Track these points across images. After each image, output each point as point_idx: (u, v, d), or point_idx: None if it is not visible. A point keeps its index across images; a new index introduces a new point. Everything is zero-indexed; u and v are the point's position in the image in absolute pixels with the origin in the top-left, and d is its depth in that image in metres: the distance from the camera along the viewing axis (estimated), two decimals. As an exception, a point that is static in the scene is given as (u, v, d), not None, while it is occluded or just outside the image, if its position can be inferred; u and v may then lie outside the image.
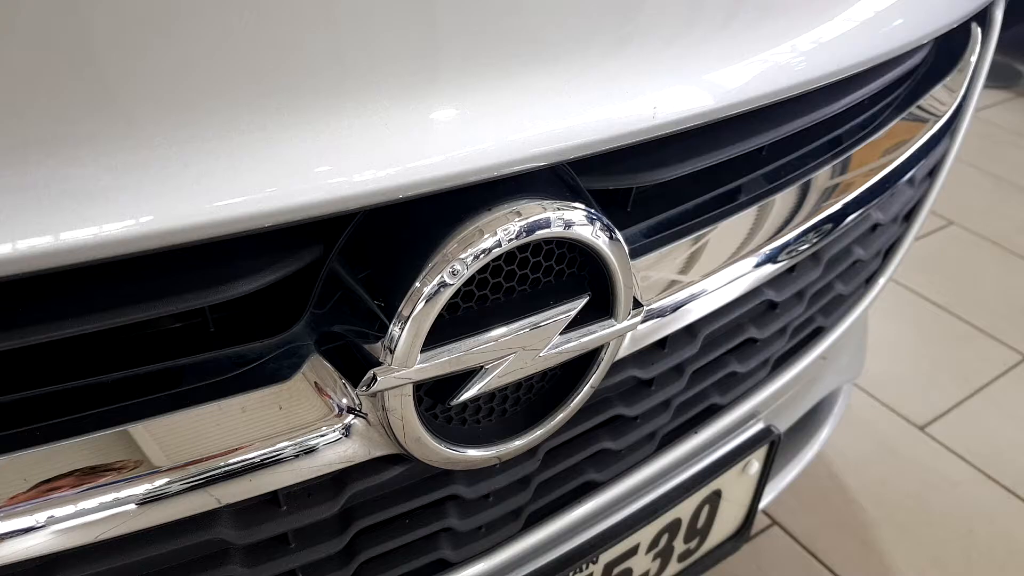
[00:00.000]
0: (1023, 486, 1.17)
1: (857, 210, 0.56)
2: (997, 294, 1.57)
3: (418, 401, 0.37)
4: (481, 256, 0.34)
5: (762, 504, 0.72)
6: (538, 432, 0.42)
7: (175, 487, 0.33)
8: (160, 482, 0.32)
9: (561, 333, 0.39)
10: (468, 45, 0.33)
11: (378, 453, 0.38)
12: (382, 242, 0.35)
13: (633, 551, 0.58)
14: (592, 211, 0.37)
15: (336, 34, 0.30)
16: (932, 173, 0.69)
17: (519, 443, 0.42)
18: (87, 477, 0.31)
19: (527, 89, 0.35)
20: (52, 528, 0.31)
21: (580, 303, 0.39)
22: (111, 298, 0.30)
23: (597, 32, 0.37)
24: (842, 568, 1.03)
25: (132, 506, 0.32)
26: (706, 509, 0.63)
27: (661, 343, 0.49)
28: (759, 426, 0.63)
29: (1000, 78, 2.62)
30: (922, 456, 1.21)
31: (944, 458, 1.21)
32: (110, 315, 0.30)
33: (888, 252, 0.70)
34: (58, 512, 0.31)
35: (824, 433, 0.83)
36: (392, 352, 0.34)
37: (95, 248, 0.26)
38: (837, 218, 0.55)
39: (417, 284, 0.34)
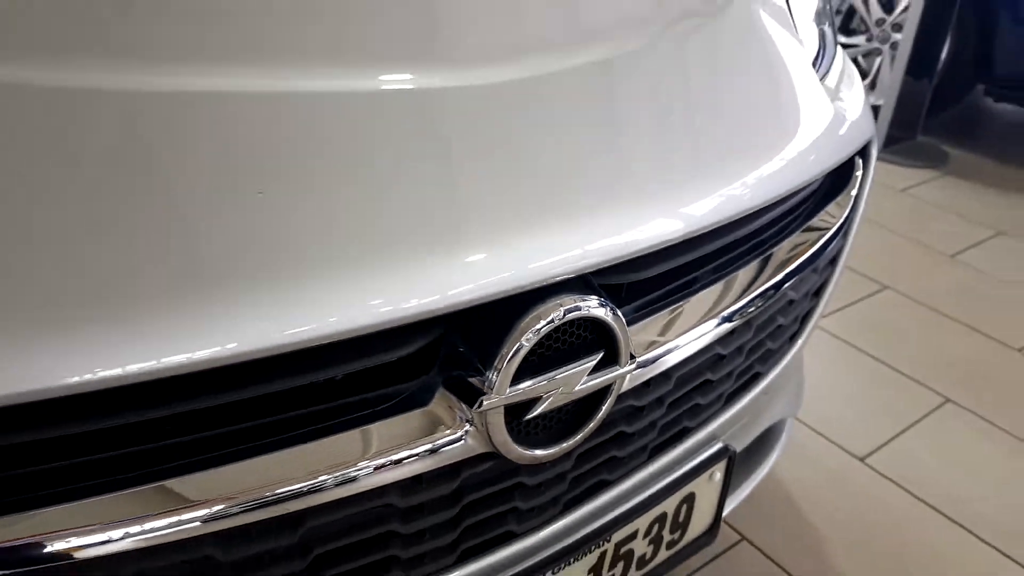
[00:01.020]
0: (948, 506, 1.40)
1: (777, 292, 0.81)
2: (925, 348, 1.84)
3: (505, 418, 0.61)
4: (541, 330, 0.59)
5: (726, 511, 0.95)
6: (572, 440, 0.66)
7: (371, 469, 0.56)
8: (364, 465, 0.56)
9: (587, 375, 0.63)
10: (515, 213, 0.59)
11: (479, 451, 0.61)
12: (483, 324, 0.60)
13: (633, 535, 0.81)
14: (603, 299, 0.62)
15: (439, 213, 0.56)
16: (832, 262, 0.95)
17: (562, 447, 0.65)
18: (333, 467, 0.55)
19: (555, 232, 0.60)
20: (315, 496, 0.54)
21: (597, 357, 0.63)
22: (336, 357, 0.54)
23: (594, 191, 0.63)
24: (800, 573, 1.26)
25: (362, 477, 0.55)
26: (684, 507, 0.86)
27: (647, 383, 0.73)
28: (719, 445, 0.86)
29: (929, 158, 2.94)
30: (863, 483, 1.44)
31: (881, 484, 1.44)
32: (336, 367, 0.54)
33: (804, 318, 0.95)
34: (329, 480, 0.54)
35: (774, 456, 1.07)
36: (492, 388, 0.58)
37: (315, 337, 0.50)
38: (764, 297, 0.80)
39: (504, 349, 0.58)
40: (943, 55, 2.95)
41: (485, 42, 0.63)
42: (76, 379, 0.43)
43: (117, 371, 0.44)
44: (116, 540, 0.48)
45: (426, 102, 0.59)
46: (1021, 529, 1.36)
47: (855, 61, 3.23)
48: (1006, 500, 1.42)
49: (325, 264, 0.51)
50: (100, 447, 0.48)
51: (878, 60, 3.12)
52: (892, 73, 2.91)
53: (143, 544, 0.49)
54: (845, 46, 3.16)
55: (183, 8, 0.53)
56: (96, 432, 0.47)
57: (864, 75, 3.19)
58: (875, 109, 2.99)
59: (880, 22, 3.09)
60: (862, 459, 1.49)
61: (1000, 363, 1.80)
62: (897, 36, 3.01)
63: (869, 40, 3.14)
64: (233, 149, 0.51)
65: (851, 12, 3.17)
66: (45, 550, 0.46)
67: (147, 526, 0.49)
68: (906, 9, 2.90)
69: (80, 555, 0.47)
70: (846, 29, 3.20)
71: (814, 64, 0.93)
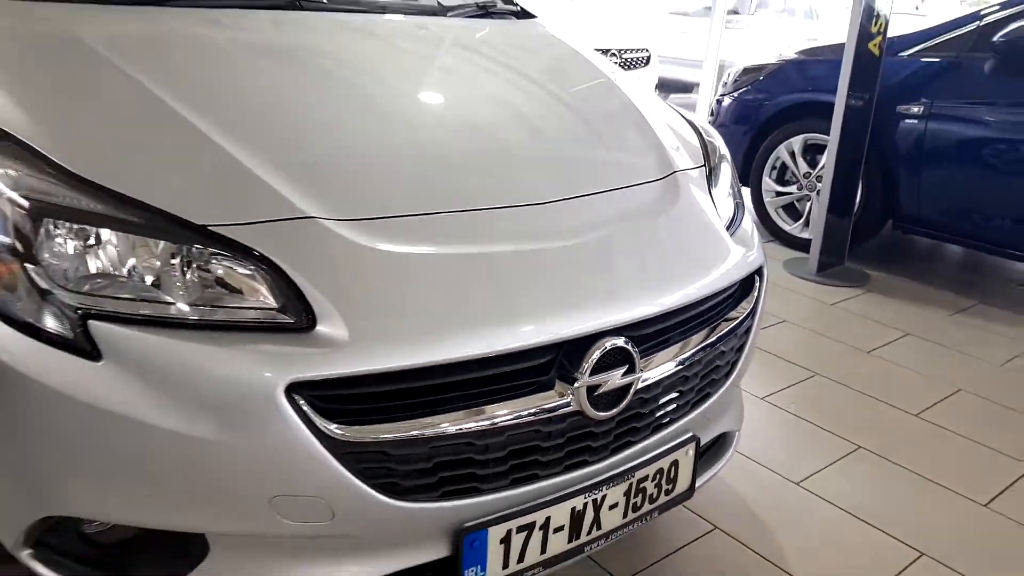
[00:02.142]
0: (863, 511, 2.07)
1: (714, 347, 1.53)
2: (843, 413, 2.54)
3: (587, 392, 1.31)
4: (599, 351, 1.30)
5: (698, 483, 1.62)
6: (615, 410, 1.35)
7: (535, 412, 1.26)
8: (532, 409, 1.26)
9: (620, 376, 1.34)
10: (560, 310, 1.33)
11: (575, 409, 1.30)
12: (576, 348, 1.31)
13: (645, 478, 1.48)
14: (626, 340, 1.33)
15: (564, 303, 1.29)
16: (747, 332, 1.67)
17: (610, 413, 1.35)
18: (519, 410, 1.25)
19: (606, 310, 1.33)
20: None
21: (624, 367, 1.34)
22: (524, 357, 1.25)
23: (619, 295, 1.37)
24: (762, 550, 1.91)
25: (528, 416, 1.25)
26: (672, 468, 1.53)
27: (648, 387, 1.43)
28: (690, 433, 1.55)
29: (854, 279, 3.73)
30: (796, 497, 2.12)
31: (809, 498, 2.11)
32: (524, 362, 1.25)
33: (733, 364, 1.66)
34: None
35: (728, 454, 1.74)
36: (580, 378, 1.29)
37: (517, 347, 1.23)
38: (706, 348, 1.51)
39: (586, 359, 1.30)
40: (858, 199, 3.80)
41: (561, 226, 1.40)
42: (447, 357, 1.15)
43: (459, 355, 1.16)
44: (443, 429, 1.18)
45: (538, 258, 1.34)
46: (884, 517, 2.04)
47: (792, 205, 4.09)
48: (896, 510, 2.10)
49: (525, 319, 1.24)
50: (439, 389, 1.19)
51: (808, 204, 3.97)
52: (819, 213, 3.75)
53: (444, 433, 1.19)
54: (781, 194, 4.05)
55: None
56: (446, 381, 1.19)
57: (799, 215, 4.05)
58: (808, 242, 3.83)
59: (807, 175, 3.96)
60: (797, 483, 2.17)
61: (900, 422, 2.51)
62: (820, 185, 3.87)
63: (800, 189, 4.00)
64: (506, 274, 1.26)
65: (784, 167, 4.05)
66: (428, 433, 1.17)
67: (449, 428, 1.19)
68: (824, 165, 3.78)
69: (431, 432, 1.17)
70: (782, 180, 4.07)
71: (728, 227, 1.70)
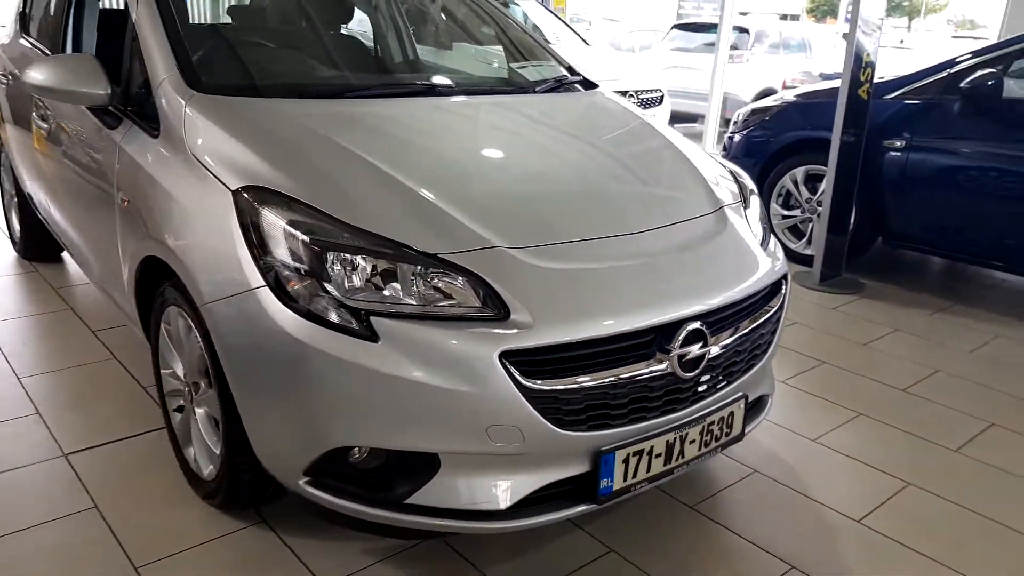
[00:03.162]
0: (864, 457, 2.67)
1: (756, 331, 2.15)
2: (843, 389, 3.15)
3: (677, 359, 1.92)
4: (684, 333, 1.92)
5: (747, 430, 2.23)
6: (694, 372, 1.96)
7: (646, 372, 1.87)
8: (642, 372, 1.87)
9: (698, 348, 1.95)
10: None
11: (669, 372, 1.90)
12: (669, 329, 1.92)
13: (712, 423, 2.07)
14: (701, 323, 1.95)
15: (661, 298, 1.92)
16: (777, 322, 2.29)
17: (692, 374, 1.95)
18: (635, 370, 1.86)
19: (689, 302, 1.95)
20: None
21: (700, 342, 1.96)
22: (636, 335, 1.87)
23: (689, 291, 1.99)
24: (792, 485, 2.51)
25: (642, 376, 1.87)
26: (730, 416, 2.13)
27: (716, 357, 2.04)
28: (741, 392, 2.16)
29: (851, 288, 4.35)
30: (813, 450, 2.72)
31: (821, 450, 2.72)
32: (638, 338, 1.88)
33: (768, 345, 2.27)
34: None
35: (766, 411, 2.36)
36: (673, 349, 1.90)
37: (635, 328, 1.85)
38: (751, 332, 2.13)
39: (676, 336, 1.91)
40: (852, 219, 4.43)
41: (653, 248, 2.03)
42: (591, 335, 1.78)
43: (599, 334, 1.78)
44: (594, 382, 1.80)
45: (642, 270, 1.97)
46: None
47: (796, 226, 4.73)
48: (887, 456, 2.70)
49: (638, 310, 1.86)
50: (587, 356, 1.80)
51: (810, 225, 4.61)
52: (820, 232, 4.38)
53: (589, 385, 1.80)
54: (787, 217, 4.68)
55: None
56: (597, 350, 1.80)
57: (802, 235, 4.68)
58: (811, 257, 4.46)
59: (808, 200, 4.60)
60: (814, 439, 2.78)
61: (892, 395, 3.12)
62: (820, 208, 4.50)
63: (803, 212, 4.64)
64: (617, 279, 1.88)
65: (789, 194, 4.69)
66: (580, 384, 1.78)
67: (592, 382, 1.80)
68: (823, 192, 4.41)
69: (581, 384, 1.79)
70: (787, 205, 4.71)
71: (762, 244, 2.33)
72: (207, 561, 2.04)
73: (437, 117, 2.47)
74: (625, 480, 1.93)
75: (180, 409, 2.33)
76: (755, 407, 2.36)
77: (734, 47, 10.49)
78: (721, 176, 2.56)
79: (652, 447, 1.95)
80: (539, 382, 1.75)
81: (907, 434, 2.82)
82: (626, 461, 1.91)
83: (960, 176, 4.04)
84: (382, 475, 1.85)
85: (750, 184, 2.64)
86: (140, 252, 2.22)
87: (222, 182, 1.96)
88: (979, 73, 3.98)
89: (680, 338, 1.91)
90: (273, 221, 1.83)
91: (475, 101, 2.64)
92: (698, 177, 2.47)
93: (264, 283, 1.79)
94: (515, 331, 1.74)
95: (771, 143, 4.75)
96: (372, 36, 3.34)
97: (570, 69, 3.15)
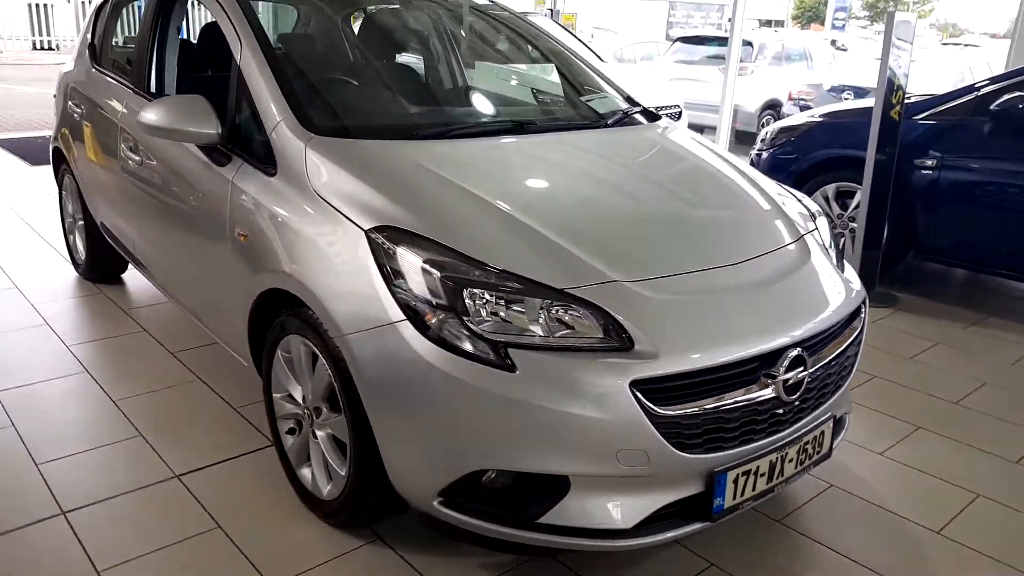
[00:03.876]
0: (930, 468, 2.79)
1: (844, 353, 2.26)
2: (903, 403, 3.27)
3: (782, 384, 2.03)
4: (788, 359, 2.03)
5: (834, 446, 2.35)
6: (796, 395, 2.07)
7: (757, 396, 1.98)
8: (755, 396, 1.98)
9: (800, 372, 2.07)
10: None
11: (775, 396, 2.02)
12: (772, 356, 2.04)
13: (808, 442, 2.18)
14: (801, 350, 2.06)
15: (769, 328, 2.03)
16: (859, 345, 2.40)
17: (793, 397, 2.06)
18: (751, 395, 1.97)
19: (791, 333, 2.06)
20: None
21: (801, 367, 2.07)
22: (753, 361, 1.98)
23: (788, 321, 2.10)
24: (867, 497, 2.62)
25: (755, 399, 1.98)
26: (822, 435, 2.25)
27: (812, 379, 2.15)
28: (830, 412, 2.28)
29: (885, 301, 4.49)
30: (880, 462, 2.84)
31: (893, 464, 2.84)
32: (754, 363, 1.98)
33: (851, 366, 2.39)
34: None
35: (845, 428, 2.47)
36: (778, 374, 2.01)
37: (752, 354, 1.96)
38: (839, 355, 2.24)
39: (780, 362, 2.02)
40: (885, 234, 4.56)
41: (754, 278, 2.14)
42: (708, 363, 1.89)
43: (715, 363, 1.90)
44: (718, 406, 1.91)
45: (747, 300, 2.08)
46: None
47: (828, 240, 4.85)
48: (953, 467, 2.82)
49: (748, 339, 1.97)
50: (703, 383, 1.92)
51: (842, 240, 4.74)
52: (854, 248, 4.50)
53: (706, 410, 1.91)
54: (821, 233, 4.81)
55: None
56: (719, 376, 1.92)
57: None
58: (847, 271, 4.58)
59: (839, 216, 4.74)
60: (880, 453, 2.89)
61: (945, 408, 3.24)
62: (854, 224, 4.63)
63: (834, 228, 4.77)
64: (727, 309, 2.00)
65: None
66: (698, 410, 1.89)
67: (708, 406, 1.91)
68: (856, 207, 4.54)
69: (699, 410, 1.90)
70: (819, 221, 4.84)
71: (839, 266, 2.45)
72: (337, 578, 2.14)
73: (536, 154, 2.58)
74: (734, 498, 2.04)
75: (292, 431, 2.43)
76: (836, 425, 2.47)
77: (739, 60, 10.65)
78: (791, 201, 2.68)
79: (758, 467, 2.06)
80: (664, 408, 1.86)
81: (967, 446, 2.94)
82: (736, 481, 2.02)
83: (989, 193, 4.17)
84: (514, 496, 1.95)
85: (814, 207, 2.76)
86: (261, 284, 2.32)
87: (353, 221, 2.06)
88: (1008, 96, 4.12)
89: (785, 363, 2.01)
90: (410, 259, 1.94)
91: (564, 138, 2.75)
92: (776, 205, 2.58)
93: (404, 317, 1.90)
94: (642, 361, 1.85)
95: (801, 161, 4.88)
96: (443, 71, 3.45)
97: (629, 99, 3.27)
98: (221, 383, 3.19)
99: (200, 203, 2.67)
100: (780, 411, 2.06)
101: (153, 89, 3.21)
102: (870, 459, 2.84)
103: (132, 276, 4.34)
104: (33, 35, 19.79)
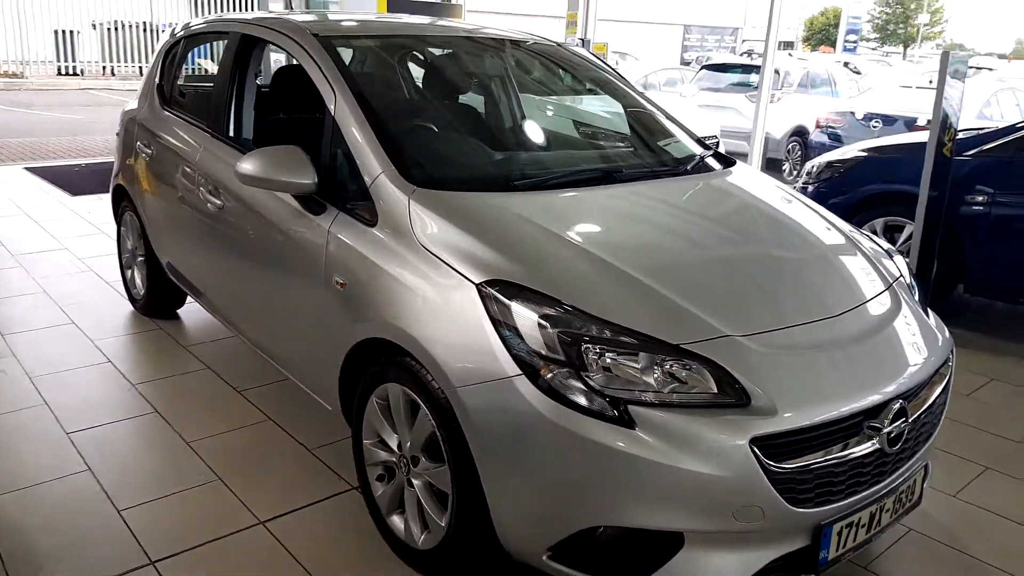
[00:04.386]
0: (1006, 512, 2.78)
1: (936, 402, 2.27)
2: (967, 443, 3.26)
3: (886, 436, 2.04)
4: (892, 412, 2.04)
5: (924, 493, 2.35)
6: (897, 446, 2.08)
7: (855, 453, 1.99)
8: (850, 453, 1.98)
9: (901, 424, 2.07)
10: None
11: (880, 448, 2.03)
12: (876, 410, 2.04)
13: (903, 491, 2.18)
14: (903, 402, 2.07)
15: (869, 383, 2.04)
16: (948, 389, 2.41)
17: (894, 448, 2.06)
18: (850, 454, 1.98)
19: (887, 386, 2.07)
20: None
21: (902, 419, 2.08)
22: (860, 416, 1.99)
23: (887, 375, 2.11)
24: (945, 541, 2.61)
25: (855, 453, 1.99)
26: (914, 483, 2.25)
27: (911, 429, 2.15)
28: (924, 460, 2.29)
29: (936, 335, 4.48)
30: (953, 506, 2.83)
31: (969, 507, 2.83)
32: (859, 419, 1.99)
33: (941, 415, 2.39)
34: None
35: (931, 476, 2.47)
36: (883, 426, 2.02)
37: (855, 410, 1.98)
38: (933, 404, 2.25)
39: (884, 418, 2.03)
40: (935, 267, 4.57)
41: (854, 330, 2.15)
42: (828, 417, 1.90)
43: (827, 417, 1.91)
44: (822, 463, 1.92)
45: (853, 352, 2.09)
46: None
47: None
48: (1029, 509, 2.81)
49: (856, 392, 1.98)
50: (815, 438, 1.92)
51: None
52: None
53: (818, 464, 1.92)
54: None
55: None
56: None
57: (883, 283, 4.81)
58: (897, 306, 4.58)
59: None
60: (954, 495, 2.88)
61: (1009, 447, 3.23)
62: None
63: (883, 261, 4.78)
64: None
65: (868, 244, 4.83)
66: (811, 464, 1.90)
67: (821, 461, 1.92)
68: (907, 240, 4.54)
69: (812, 464, 1.91)
70: (866, 255, 4.85)
71: (926, 312, 2.45)
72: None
73: (629, 204, 2.60)
74: (836, 550, 2.04)
75: (381, 478, 2.44)
76: (924, 472, 2.47)
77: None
78: (868, 243, 2.70)
79: (860, 518, 2.06)
80: (780, 464, 1.86)
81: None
82: (839, 533, 2.02)
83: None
84: (626, 551, 1.95)
85: (886, 246, 2.77)
86: (361, 332, 2.33)
87: (462, 275, 2.08)
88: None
89: (890, 416, 2.02)
90: (525, 314, 1.95)
91: (652, 187, 2.77)
92: (863, 252, 2.60)
93: (520, 371, 1.91)
94: (760, 417, 1.86)
95: (848, 195, 4.89)
96: (517, 115, 3.48)
97: (699, 141, 3.29)
98: (292, 424, 3.20)
99: (291, 249, 2.69)
100: (884, 462, 2.06)
101: (232, 133, 3.25)
102: (944, 501, 2.84)
103: (188, 311, 4.37)
104: (58, 60, 19.99)
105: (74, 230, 6.03)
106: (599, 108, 3.59)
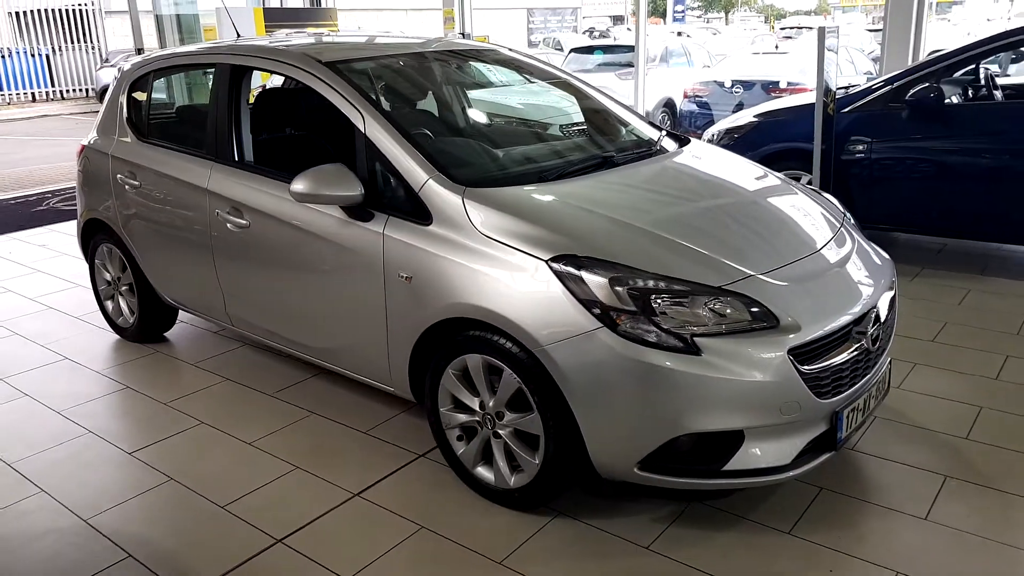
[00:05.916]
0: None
1: (893, 309, 2.88)
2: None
3: (870, 337, 2.62)
4: (873, 317, 2.63)
5: (893, 387, 2.97)
6: (877, 345, 2.67)
7: (853, 351, 2.56)
8: (849, 348, 2.56)
9: (878, 327, 2.67)
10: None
11: (866, 347, 2.61)
12: (862, 317, 2.63)
13: (880, 380, 2.78)
14: (879, 312, 2.67)
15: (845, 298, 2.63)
16: (895, 299, 3.04)
17: (876, 347, 2.66)
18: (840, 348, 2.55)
19: (863, 300, 2.66)
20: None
21: (878, 321, 2.67)
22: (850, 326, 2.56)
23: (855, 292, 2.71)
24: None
25: (848, 351, 2.56)
26: (886, 374, 2.84)
27: (882, 332, 2.75)
28: (888, 357, 2.90)
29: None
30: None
31: (905, 396, 3.51)
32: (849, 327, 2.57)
33: (894, 319, 3.02)
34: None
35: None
36: (868, 329, 2.60)
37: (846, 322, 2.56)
38: (891, 311, 2.87)
39: (868, 323, 2.62)
40: (827, 211, 5.31)
41: (834, 260, 2.73)
42: (836, 326, 2.47)
43: (831, 328, 2.48)
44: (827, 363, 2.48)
45: (839, 277, 2.67)
46: None
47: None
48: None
49: (846, 307, 2.56)
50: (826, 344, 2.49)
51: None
52: (807, 225, 5.24)
53: (832, 364, 2.48)
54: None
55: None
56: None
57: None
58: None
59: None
60: (897, 386, 3.56)
61: (919, 347, 3.97)
62: (802, 205, 5.36)
63: (787, 210, 5.51)
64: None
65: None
66: (828, 365, 2.47)
67: (834, 361, 2.49)
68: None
69: (829, 364, 2.48)
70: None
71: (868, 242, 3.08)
72: (552, 547, 2.56)
73: (636, 183, 3.09)
74: (846, 431, 2.61)
75: (461, 438, 2.83)
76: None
77: (629, 64, 11.46)
78: (815, 194, 3.32)
79: (859, 404, 2.64)
80: (806, 366, 2.41)
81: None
82: (848, 416, 2.59)
83: (913, 169, 4.99)
84: (700, 453, 2.45)
85: (827, 194, 3.41)
86: (433, 316, 2.71)
87: (530, 255, 2.50)
88: (920, 87, 4.95)
89: (870, 322, 2.61)
90: (595, 280, 2.40)
91: (646, 167, 3.24)
92: (813, 199, 3.20)
93: (601, 325, 2.36)
94: (790, 334, 2.39)
95: (749, 156, 5.57)
96: (501, 115, 3.89)
97: (653, 124, 3.82)
98: (336, 414, 3.49)
99: (342, 254, 3.00)
100: (870, 357, 2.65)
101: (236, 157, 3.48)
102: (894, 392, 3.50)
103: (175, 333, 4.51)
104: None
105: (4, 272, 5.91)
106: (574, 107, 4.00)
